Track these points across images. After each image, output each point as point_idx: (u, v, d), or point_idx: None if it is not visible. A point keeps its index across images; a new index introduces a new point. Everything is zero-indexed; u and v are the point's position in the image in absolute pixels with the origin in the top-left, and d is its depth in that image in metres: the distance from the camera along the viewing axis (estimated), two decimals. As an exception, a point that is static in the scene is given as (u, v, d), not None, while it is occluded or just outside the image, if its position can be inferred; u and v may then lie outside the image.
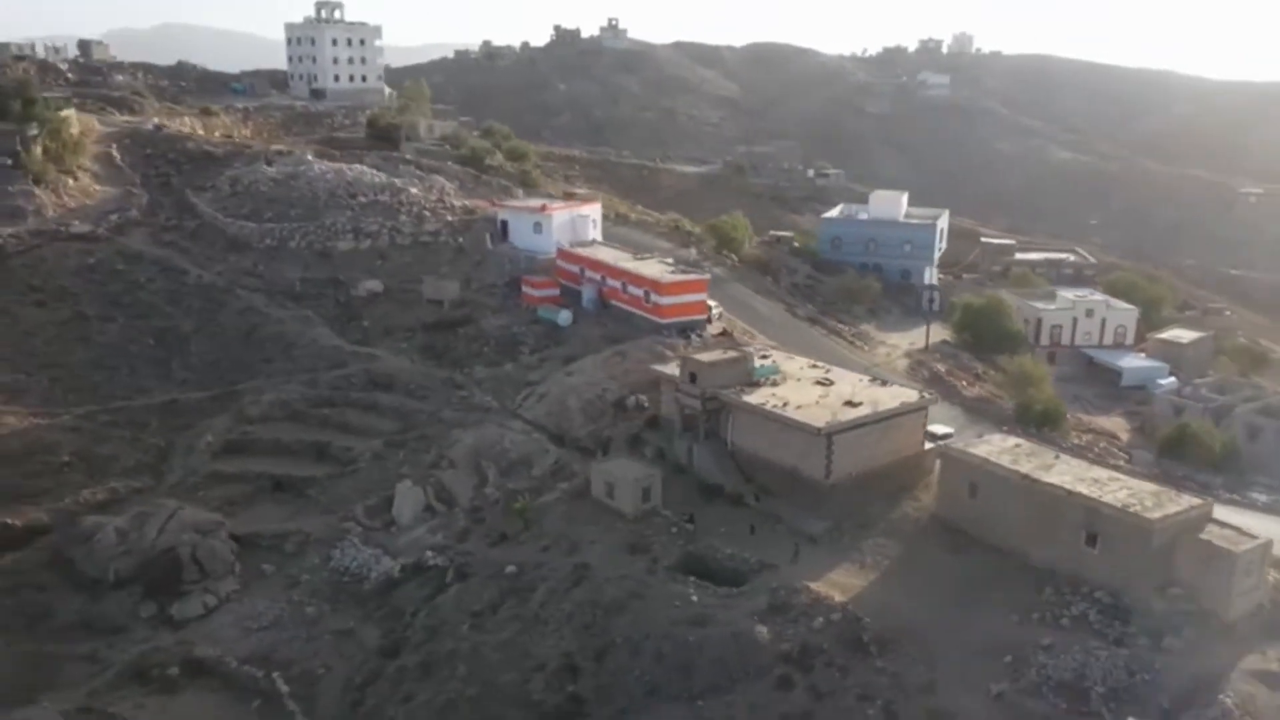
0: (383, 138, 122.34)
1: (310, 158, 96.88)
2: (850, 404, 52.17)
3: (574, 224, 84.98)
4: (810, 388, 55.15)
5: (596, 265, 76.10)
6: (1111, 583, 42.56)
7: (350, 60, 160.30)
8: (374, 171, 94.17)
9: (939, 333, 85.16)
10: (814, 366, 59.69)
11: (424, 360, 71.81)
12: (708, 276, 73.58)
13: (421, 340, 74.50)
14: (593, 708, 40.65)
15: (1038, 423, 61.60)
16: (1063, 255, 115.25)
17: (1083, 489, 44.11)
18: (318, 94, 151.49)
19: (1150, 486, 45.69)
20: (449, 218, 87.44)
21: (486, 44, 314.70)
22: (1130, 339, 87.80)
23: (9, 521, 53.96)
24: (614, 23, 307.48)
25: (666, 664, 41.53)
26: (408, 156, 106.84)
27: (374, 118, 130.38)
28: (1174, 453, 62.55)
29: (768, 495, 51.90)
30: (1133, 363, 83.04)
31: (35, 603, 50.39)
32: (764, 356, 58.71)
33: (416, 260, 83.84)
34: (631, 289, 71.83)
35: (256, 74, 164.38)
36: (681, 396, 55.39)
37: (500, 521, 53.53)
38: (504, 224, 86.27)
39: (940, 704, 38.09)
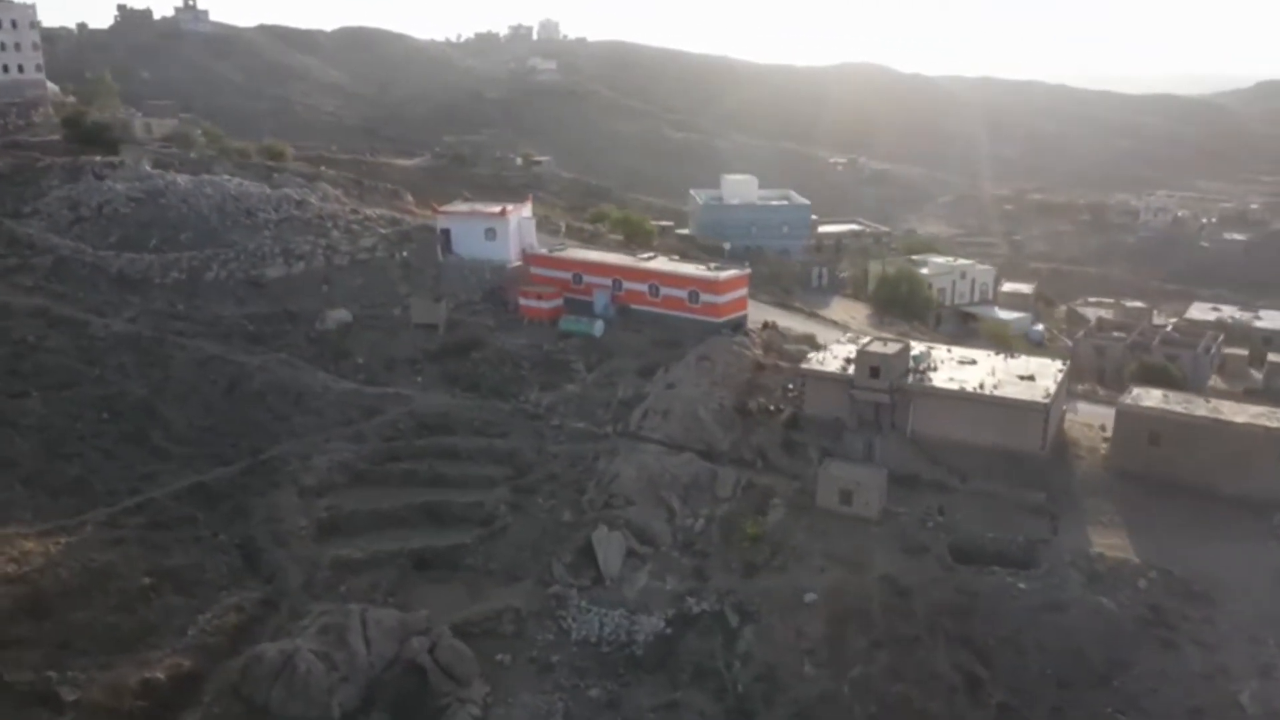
0: (91, 140, 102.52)
1: (151, 169, 79.35)
2: (1023, 378, 55.68)
3: (521, 228, 78.78)
4: (962, 367, 57.81)
5: (604, 269, 71.65)
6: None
7: (3, 47, 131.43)
8: (252, 183, 79.63)
9: (848, 305, 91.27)
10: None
11: (459, 393, 63.60)
12: (749, 271, 72.52)
13: (437, 371, 65.70)
14: (1027, 712, 40.76)
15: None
16: (854, 227, 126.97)
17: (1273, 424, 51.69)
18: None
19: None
20: (381, 230, 76.80)
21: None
22: (991, 295, 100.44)
23: (152, 676, 40.71)
24: (191, 3, 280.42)
25: (1053, 653, 42.59)
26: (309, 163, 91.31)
27: (72, 116, 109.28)
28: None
29: (965, 477, 53.94)
30: (1009, 315, 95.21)
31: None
32: (895, 343, 60.11)
33: (367, 282, 73.02)
34: (667, 290, 68.82)
35: None
36: (860, 392, 55.29)
37: (731, 550, 50.20)
38: (446, 233, 77.65)
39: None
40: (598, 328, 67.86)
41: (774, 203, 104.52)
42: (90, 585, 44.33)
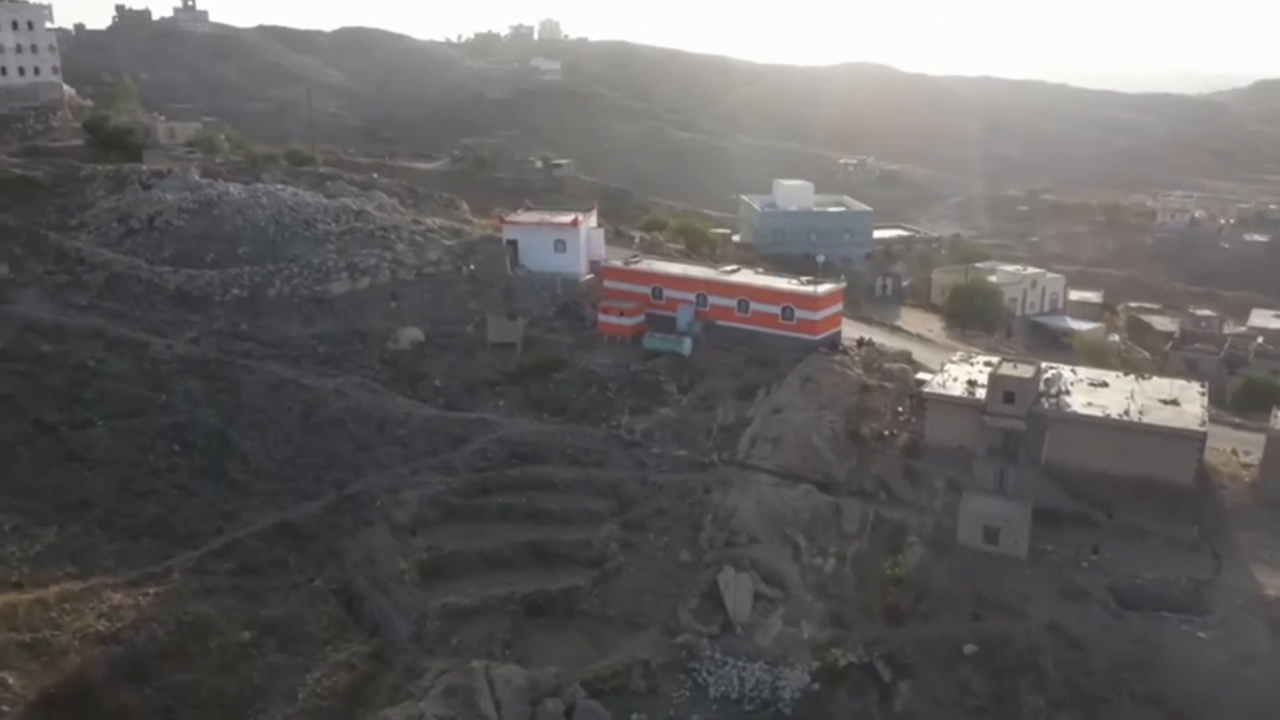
0: (113, 145, 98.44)
1: (200, 178, 75.16)
2: (1166, 402, 52.15)
3: (590, 239, 74.92)
4: (1095, 390, 54.25)
5: (687, 283, 67.84)
6: None
7: (19, 49, 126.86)
8: (307, 193, 75.47)
9: (919, 316, 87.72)
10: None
11: (546, 418, 59.69)
12: (844, 285, 68.80)
13: (519, 394, 61.77)
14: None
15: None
16: (901, 232, 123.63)
17: None
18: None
19: None
20: (445, 242, 72.73)
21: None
22: (1062, 304, 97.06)
23: (268, 749, 36.79)
24: (191, 3, 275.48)
25: (1254, 713, 39.10)
26: (326, 170, 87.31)
27: (94, 121, 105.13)
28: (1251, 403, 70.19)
29: (1110, 511, 50.36)
30: (1083, 326, 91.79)
31: None
32: (1027, 364, 56.42)
33: (434, 297, 68.95)
34: (758, 306, 65.03)
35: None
36: (993, 419, 51.62)
37: (870, 594, 46.48)
38: (513, 245, 73.67)
39: None
40: (686, 346, 64.06)
41: (831, 209, 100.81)
42: (188, 642, 40.36)
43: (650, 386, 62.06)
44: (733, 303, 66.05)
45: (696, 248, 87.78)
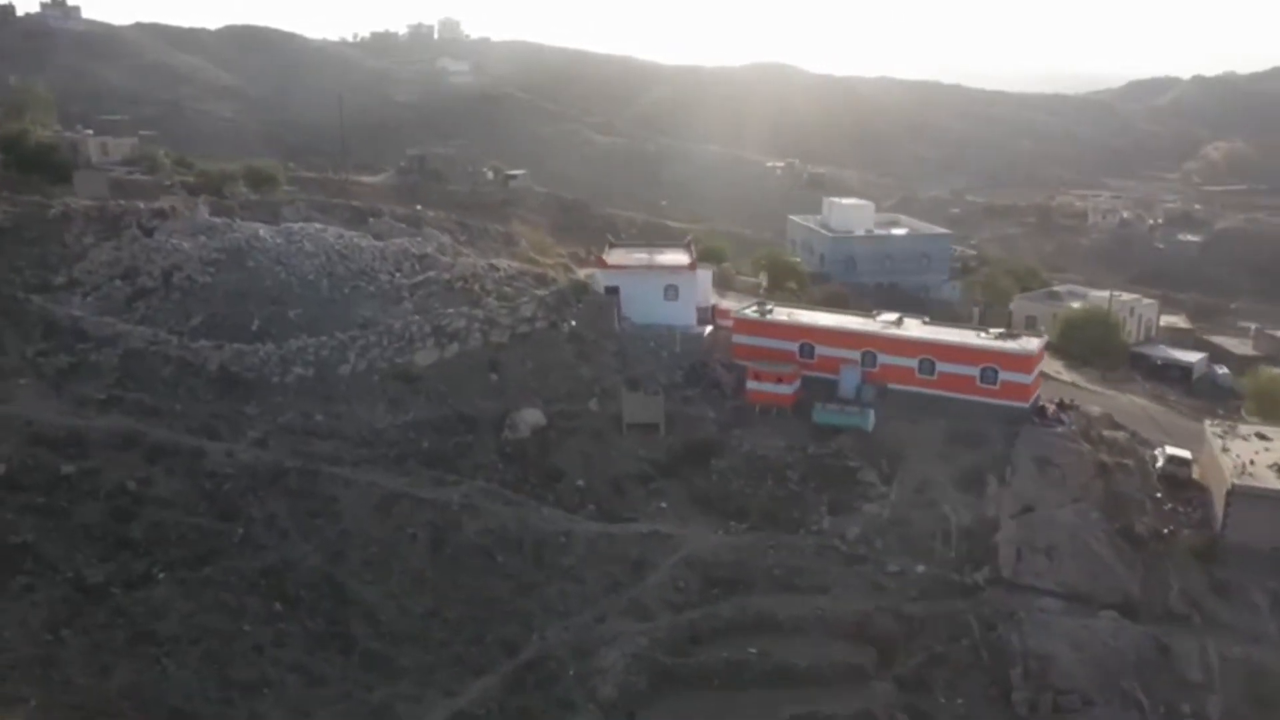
0: (35, 166, 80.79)
1: (211, 217, 59.03)
2: None
3: (700, 283, 62.43)
4: None
5: (848, 338, 56.07)
6: None
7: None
8: (353, 233, 60.27)
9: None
10: None
11: (727, 525, 47.01)
12: (1046, 338, 58.04)
13: (680, 490, 48.90)
14: None
15: None
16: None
17: None
18: None
19: None
20: (536, 292, 58.78)
21: None
22: (1155, 332, 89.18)
23: None
24: None
25: None
26: (355, 197, 71.32)
27: (13, 136, 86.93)
28: None
29: None
30: (1193, 357, 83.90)
31: None
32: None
33: (537, 365, 55.09)
34: (948, 366, 53.73)
35: None
36: (1338, 519, 41.70)
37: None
38: (613, 292, 60.47)
39: None
40: (870, 420, 52.31)
41: (896, 232, 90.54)
42: None
43: (841, 475, 50.04)
44: (913, 363, 54.63)
45: (781, 283, 76.10)
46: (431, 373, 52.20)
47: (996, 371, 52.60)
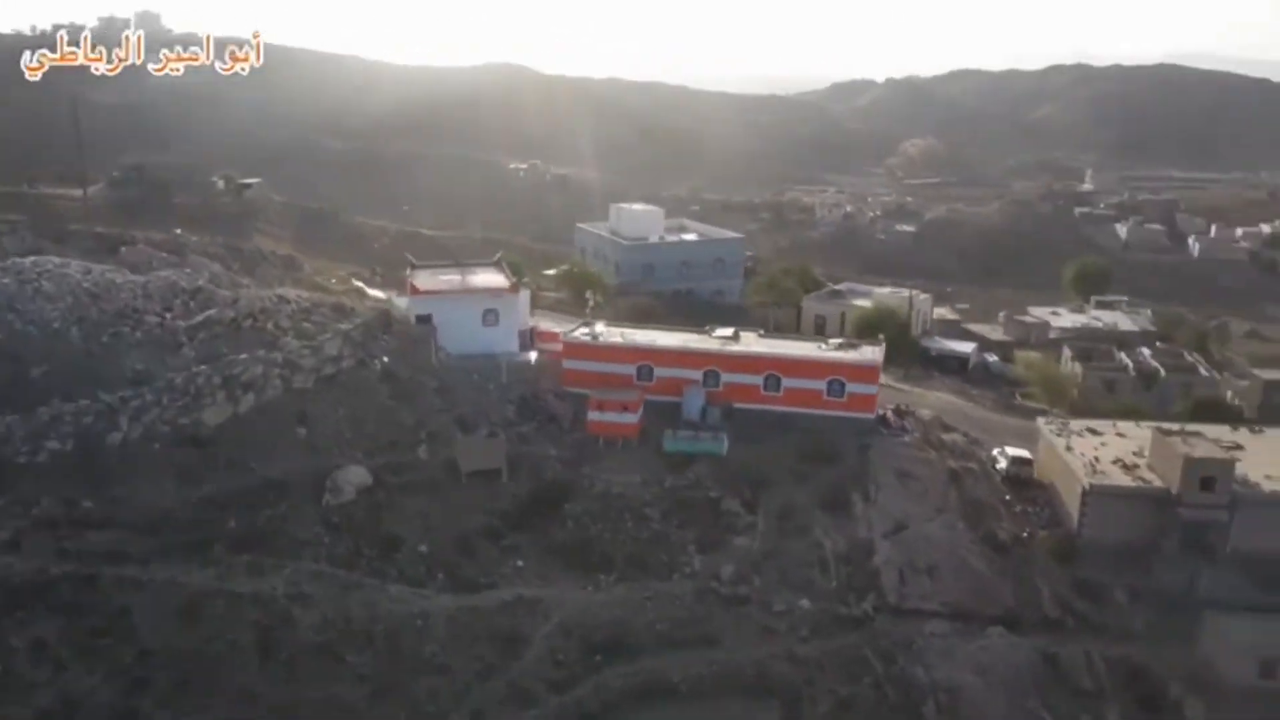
0: None
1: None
2: (1323, 465, 46.54)
3: (521, 305, 56.99)
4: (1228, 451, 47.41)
5: (687, 357, 52.71)
6: None
7: None
8: (102, 266, 49.55)
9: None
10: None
11: (596, 579, 42.31)
12: (883, 344, 56.64)
13: (535, 545, 43.68)
14: None
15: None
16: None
17: None
18: None
19: None
20: (340, 325, 50.78)
21: None
22: (930, 325, 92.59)
23: None
24: None
25: None
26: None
27: None
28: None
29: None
30: (967, 347, 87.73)
31: None
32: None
33: (351, 412, 47.58)
34: (794, 381, 51.63)
35: None
36: (1190, 511, 42.91)
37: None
38: (426, 320, 53.71)
39: None
40: (724, 444, 49.32)
41: (688, 237, 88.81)
42: None
43: (704, 508, 46.73)
44: (758, 379, 52.27)
45: (583, 295, 71.80)
46: (227, 433, 43.71)
47: (843, 384, 51.29)
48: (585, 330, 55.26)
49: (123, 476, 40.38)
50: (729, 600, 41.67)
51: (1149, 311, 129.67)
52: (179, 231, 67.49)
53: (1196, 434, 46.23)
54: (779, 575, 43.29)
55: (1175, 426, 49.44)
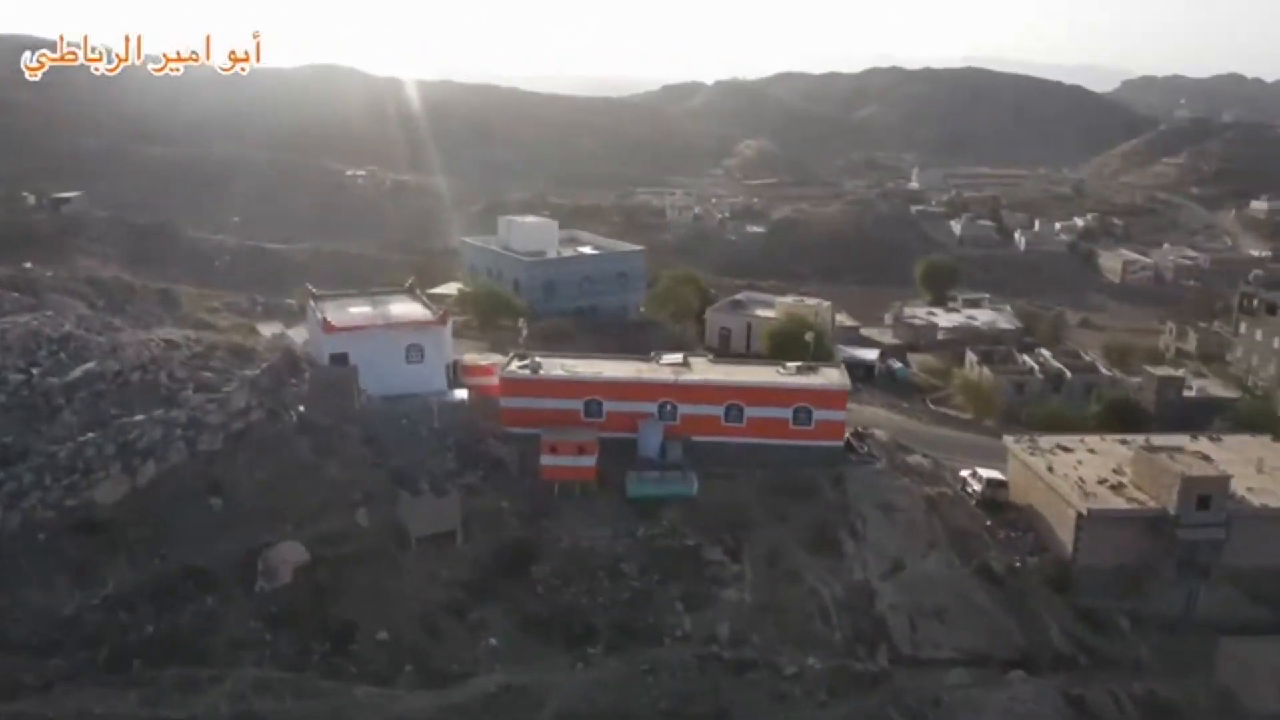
0: None
1: None
2: (1293, 473, 46.42)
3: (445, 339, 50.76)
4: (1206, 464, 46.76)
5: (639, 389, 48.00)
6: None
7: None
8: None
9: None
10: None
11: (584, 655, 37.27)
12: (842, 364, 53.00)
13: (508, 617, 38.23)
14: None
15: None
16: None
17: None
18: None
19: None
20: (244, 371, 43.24)
21: None
22: (831, 333, 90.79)
23: None
24: None
25: None
26: None
27: None
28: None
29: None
30: (872, 353, 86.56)
31: None
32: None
33: (271, 476, 40.51)
34: (758, 411, 47.71)
35: None
36: (1188, 531, 41.55)
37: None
38: (342, 360, 46.81)
39: None
40: (693, 483, 45.04)
41: (585, 250, 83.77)
42: None
43: (684, 558, 42.37)
44: (718, 410, 48.20)
45: (493, 320, 65.99)
46: (126, 513, 36.11)
47: (810, 411, 47.88)
48: (522, 363, 49.76)
49: (3, 581, 32.47)
50: (734, 665, 37.49)
51: (1008, 307, 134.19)
52: (29, 265, 57.24)
53: (1178, 449, 45.34)
54: (779, 630, 39.50)
55: (1142, 439, 48.71)
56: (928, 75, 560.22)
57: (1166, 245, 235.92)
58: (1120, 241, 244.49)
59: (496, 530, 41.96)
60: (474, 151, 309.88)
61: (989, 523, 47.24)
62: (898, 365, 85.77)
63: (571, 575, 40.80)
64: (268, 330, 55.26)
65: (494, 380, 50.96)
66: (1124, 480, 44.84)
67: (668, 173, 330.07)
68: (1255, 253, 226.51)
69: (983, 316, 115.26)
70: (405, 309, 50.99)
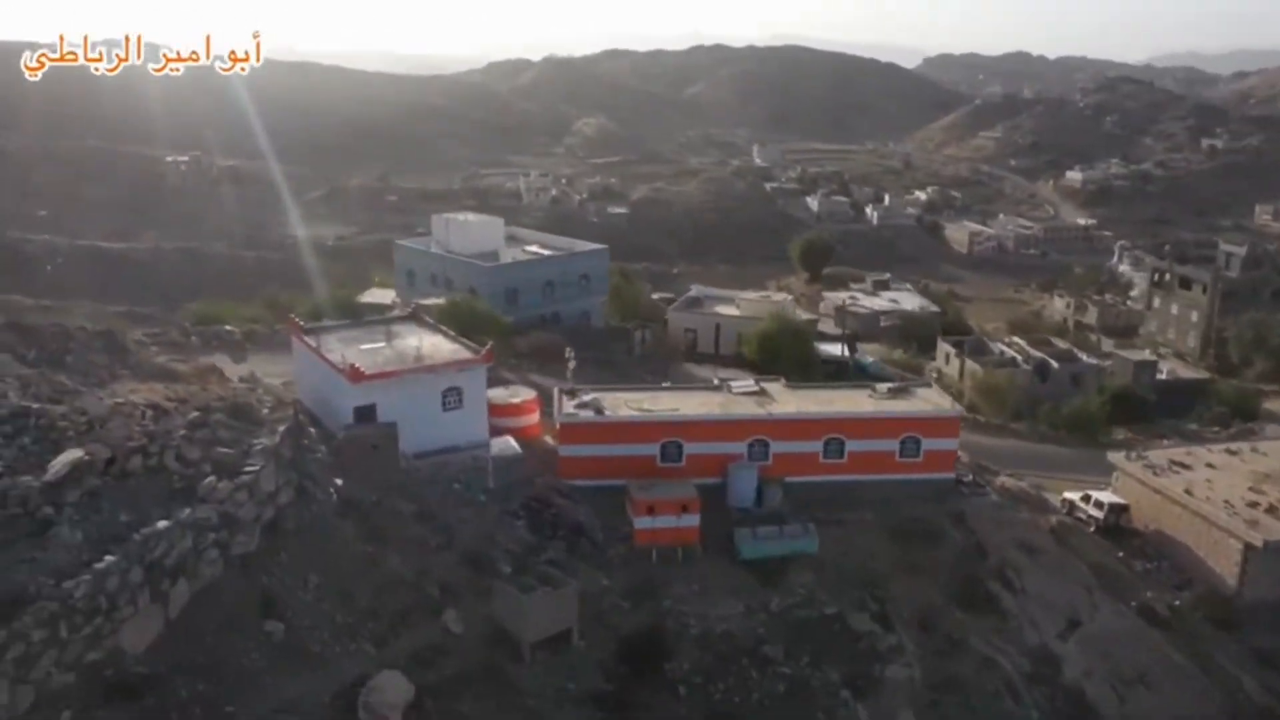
0: None
1: None
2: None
3: (483, 379, 41.51)
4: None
5: (724, 428, 40.53)
6: None
7: None
8: None
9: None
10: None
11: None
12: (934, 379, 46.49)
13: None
14: None
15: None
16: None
17: None
18: None
19: None
20: (258, 441, 32.74)
21: None
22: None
23: None
24: None
25: None
26: None
27: None
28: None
29: None
30: (836, 349, 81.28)
31: None
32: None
33: (322, 574, 30.70)
34: (860, 444, 41.27)
35: None
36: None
37: None
38: (368, 413, 36.97)
39: None
40: (814, 538, 38.17)
41: (541, 250, 74.45)
42: None
43: (833, 632, 35.62)
44: (816, 446, 41.50)
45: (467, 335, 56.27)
46: (163, 660, 25.91)
47: (919, 441, 41.91)
48: (579, 401, 41.37)
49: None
50: (936, 766, 31.19)
51: (908, 286, 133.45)
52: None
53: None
54: (966, 714, 33.42)
55: (1248, 447, 45.42)
56: (751, 53, 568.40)
57: (1002, 216, 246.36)
58: (960, 214, 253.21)
59: (609, 620, 33.88)
60: (299, 134, 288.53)
61: (1120, 554, 42.78)
62: (869, 360, 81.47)
63: (713, 669, 33.36)
64: (221, 368, 44.09)
65: (531, 421, 42.54)
66: (1270, 501, 41.20)
67: (507, 152, 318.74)
68: (1081, 221, 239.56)
69: (905, 300, 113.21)
70: (431, 343, 41.49)
